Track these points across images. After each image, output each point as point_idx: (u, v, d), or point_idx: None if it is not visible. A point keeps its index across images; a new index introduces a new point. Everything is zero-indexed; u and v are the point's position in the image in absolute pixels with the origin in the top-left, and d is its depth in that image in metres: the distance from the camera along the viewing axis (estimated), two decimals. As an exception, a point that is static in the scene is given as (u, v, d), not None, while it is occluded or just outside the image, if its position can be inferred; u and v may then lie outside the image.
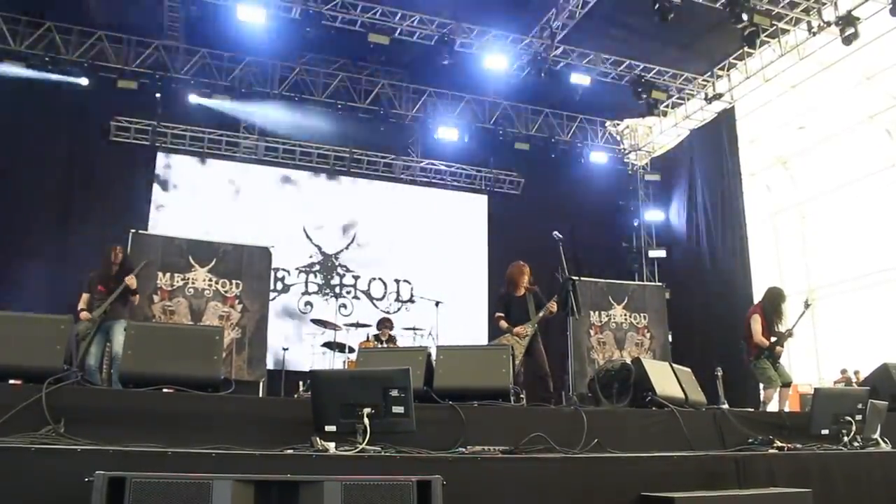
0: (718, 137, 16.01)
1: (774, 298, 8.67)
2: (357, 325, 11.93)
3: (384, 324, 11.61)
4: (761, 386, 8.96)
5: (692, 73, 16.08)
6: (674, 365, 7.06)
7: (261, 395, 10.38)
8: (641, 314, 13.52)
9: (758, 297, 10.19)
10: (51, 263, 12.62)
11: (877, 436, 6.06)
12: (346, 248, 16.03)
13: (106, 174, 13.83)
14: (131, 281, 7.97)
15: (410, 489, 3.35)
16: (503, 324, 8.42)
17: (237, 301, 11.09)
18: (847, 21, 12.48)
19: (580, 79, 15.08)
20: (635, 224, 18.43)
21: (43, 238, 13.02)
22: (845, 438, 5.75)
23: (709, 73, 16.01)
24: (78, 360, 6.85)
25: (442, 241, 16.83)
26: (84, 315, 7.78)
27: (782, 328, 8.55)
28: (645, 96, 15.44)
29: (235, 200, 15.40)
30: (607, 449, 5.07)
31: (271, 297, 12.80)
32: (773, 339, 8.43)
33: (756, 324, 8.50)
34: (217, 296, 11.03)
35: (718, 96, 15.86)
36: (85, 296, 8.08)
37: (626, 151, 18.76)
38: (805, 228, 19.14)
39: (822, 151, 17.86)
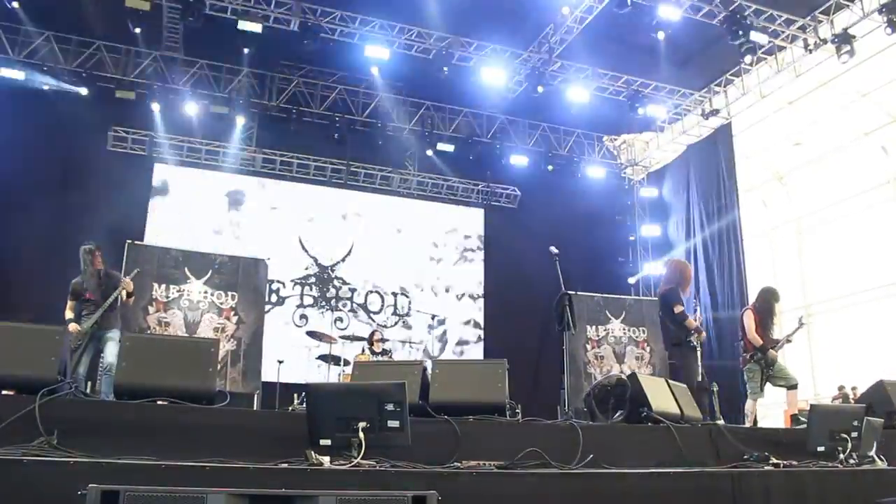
0: (715, 153, 16.07)
1: (767, 297, 8.60)
2: (353, 338, 11.91)
3: (374, 336, 11.60)
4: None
5: (689, 89, 16.17)
6: (669, 380, 7.05)
7: (255, 407, 10.34)
8: (640, 328, 13.53)
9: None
10: (46, 273, 12.56)
11: (872, 453, 6.04)
12: (343, 260, 16.02)
13: (103, 184, 13.81)
14: (128, 285, 7.77)
15: (405, 504, 3.33)
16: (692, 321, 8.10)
17: (232, 313, 11.07)
18: (843, 39, 12.57)
19: (578, 94, 15.15)
20: (631, 239, 18.46)
21: (39, 247, 12.98)
22: (841, 455, 5.73)
23: (706, 89, 16.09)
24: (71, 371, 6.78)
25: (438, 255, 16.85)
26: (73, 327, 7.53)
27: (776, 327, 8.50)
28: (642, 111, 15.50)
29: (232, 212, 15.40)
30: (603, 464, 5.05)
31: (266, 309, 12.78)
32: (766, 338, 8.33)
33: (749, 320, 8.38)
34: (212, 308, 11.01)
35: (715, 112, 15.92)
36: (70, 303, 7.81)
37: (623, 166, 18.82)
38: (801, 244, 19.16)
39: (818, 167, 17.93)
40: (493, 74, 14.59)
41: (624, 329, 13.45)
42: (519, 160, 17.05)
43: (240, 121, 15.07)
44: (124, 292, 7.81)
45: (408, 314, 16.05)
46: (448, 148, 16.47)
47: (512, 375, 5.95)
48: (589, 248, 16.99)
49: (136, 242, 11.33)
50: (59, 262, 12.70)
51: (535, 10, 13.33)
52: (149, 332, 10.28)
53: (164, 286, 10.83)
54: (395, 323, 15.94)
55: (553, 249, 7.56)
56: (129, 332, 8.08)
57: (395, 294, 16.27)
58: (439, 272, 16.73)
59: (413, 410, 4.79)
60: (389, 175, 16.77)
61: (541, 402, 11.22)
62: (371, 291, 16.09)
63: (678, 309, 7.83)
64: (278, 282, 15.19)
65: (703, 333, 7.99)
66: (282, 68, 15.22)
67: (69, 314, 7.76)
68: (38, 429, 4.14)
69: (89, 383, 8.04)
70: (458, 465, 4.61)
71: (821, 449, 5.84)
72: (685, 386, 7.11)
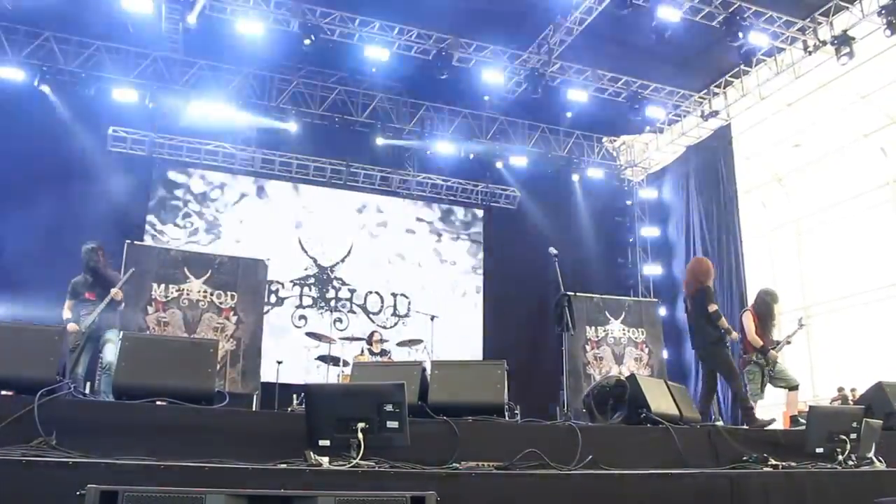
0: (714, 154, 16.09)
1: (766, 299, 8.56)
2: (352, 338, 11.91)
3: (374, 336, 11.61)
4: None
5: (689, 91, 16.17)
6: (668, 381, 7.05)
7: (254, 408, 10.33)
8: (639, 329, 13.53)
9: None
10: (45, 273, 12.56)
11: (871, 455, 6.04)
12: (342, 260, 16.02)
13: (102, 184, 13.81)
14: (117, 295, 7.73)
15: (404, 505, 3.32)
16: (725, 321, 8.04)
17: (232, 313, 11.05)
18: (842, 40, 12.58)
19: (577, 95, 15.16)
20: (631, 240, 18.47)
21: (38, 247, 12.96)
22: (840, 457, 5.73)
23: (705, 91, 16.09)
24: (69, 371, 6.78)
25: (438, 255, 16.85)
26: (72, 327, 7.50)
27: (774, 328, 8.50)
28: (641, 113, 15.51)
29: (231, 212, 15.41)
30: (601, 466, 5.05)
31: (265, 309, 12.77)
32: (766, 339, 8.30)
33: (748, 321, 8.33)
34: (212, 307, 10.99)
35: (715, 113, 15.94)
36: (69, 302, 7.80)
37: (623, 167, 18.81)
38: (801, 245, 19.18)
39: (817, 169, 17.94)
40: (493, 75, 14.59)
41: (623, 330, 13.44)
42: (518, 161, 17.06)
43: (240, 121, 15.06)
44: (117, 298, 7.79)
45: (407, 315, 16.06)
46: (448, 149, 16.48)
47: (511, 376, 5.95)
48: (588, 249, 17.02)
49: (135, 242, 11.31)
50: (59, 261, 12.73)
51: (535, 11, 13.33)
52: (148, 332, 10.27)
53: (163, 286, 10.80)
54: (395, 324, 15.94)
55: (552, 250, 7.58)
56: (128, 332, 8.07)
57: (394, 295, 16.27)
58: (438, 273, 16.73)
59: (412, 411, 4.79)
60: (389, 176, 16.77)
61: (539, 403, 11.20)
62: (371, 292, 16.09)
63: (713, 308, 7.80)
64: (277, 282, 15.19)
65: (736, 333, 8.03)
66: (281, 68, 15.20)
67: (67, 314, 7.76)
68: (38, 429, 4.14)
69: (88, 383, 8.03)
70: (457, 465, 4.61)
71: (819, 450, 5.85)
72: (684, 387, 7.11)
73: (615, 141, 18.64)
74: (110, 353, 7.42)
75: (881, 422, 6.41)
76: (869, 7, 12.46)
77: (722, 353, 7.85)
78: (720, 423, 7.22)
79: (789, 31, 13.50)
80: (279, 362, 11.43)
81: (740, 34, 12.51)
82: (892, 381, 7.37)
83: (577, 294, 12.57)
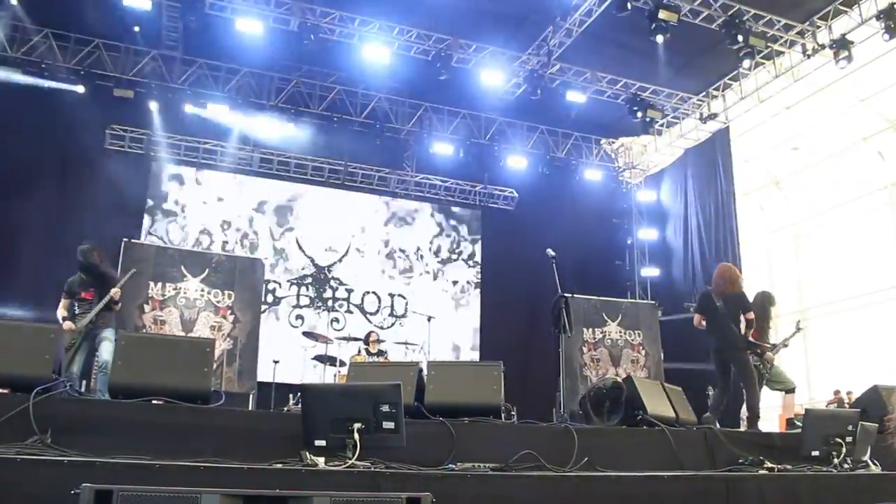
0: (713, 157, 16.08)
1: (763, 302, 8.57)
2: (349, 338, 11.90)
3: (371, 336, 11.60)
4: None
5: (687, 93, 16.16)
6: (665, 384, 7.05)
7: (250, 407, 10.32)
8: (636, 331, 13.53)
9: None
10: (42, 271, 12.55)
11: (867, 458, 6.05)
12: (340, 260, 16.01)
13: (100, 183, 13.79)
14: (116, 294, 7.68)
15: (400, 506, 3.32)
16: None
17: (229, 312, 11.05)
18: (841, 44, 12.59)
19: (576, 96, 15.15)
20: (629, 242, 18.46)
21: (34, 246, 12.94)
22: (835, 460, 5.74)
23: (704, 93, 16.09)
24: (65, 370, 6.76)
25: (436, 256, 16.85)
26: (67, 325, 7.46)
27: (771, 331, 8.51)
28: (640, 115, 15.51)
29: (229, 211, 15.39)
30: (597, 467, 5.05)
31: (262, 309, 12.77)
32: (763, 342, 8.30)
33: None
34: (209, 306, 10.99)
35: (713, 116, 15.94)
36: (64, 301, 7.72)
37: (621, 169, 18.81)
38: (798, 248, 19.21)
39: (815, 172, 17.97)
40: (492, 76, 14.58)
41: (620, 332, 13.44)
42: (517, 162, 17.04)
43: (238, 120, 15.04)
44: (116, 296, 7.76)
45: (404, 315, 16.06)
46: (446, 149, 16.47)
47: (507, 377, 5.95)
48: (586, 250, 16.98)
49: (132, 241, 11.30)
50: (56, 259, 12.73)
51: (535, 12, 13.33)
52: (144, 330, 10.26)
53: (160, 284, 10.80)
54: (392, 324, 15.93)
55: (550, 252, 7.58)
56: (124, 331, 8.06)
57: (391, 295, 16.26)
58: (436, 273, 16.73)
59: (408, 412, 4.79)
60: (387, 176, 16.76)
61: (536, 405, 11.21)
62: (368, 292, 16.08)
63: (751, 316, 7.78)
64: (274, 282, 15.19)
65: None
66: (280, 68, 15.18)
67: (62, 312, 7.72)
68: (33, 427, 4.13)
69: (84, 382, 8.01)
70: (453, 466, 4.61)
71: (815, 453, 5.86)
72: (680, 389, 7.12)
73: (614, 143, 18.64)
74: (106, 351, 7.39)
75: (877, 425, 6.42)
76: (868, 11, 12.47)
77: (748, 359, 7.84)
78: (716, 425, 7.22)
79: (788, 34, 13.50)
80: (276, 362, 11.43)
81: (739, 37, 12.51)
82: (888, 384, 7.38)
83: (575, 296, 12.55)
